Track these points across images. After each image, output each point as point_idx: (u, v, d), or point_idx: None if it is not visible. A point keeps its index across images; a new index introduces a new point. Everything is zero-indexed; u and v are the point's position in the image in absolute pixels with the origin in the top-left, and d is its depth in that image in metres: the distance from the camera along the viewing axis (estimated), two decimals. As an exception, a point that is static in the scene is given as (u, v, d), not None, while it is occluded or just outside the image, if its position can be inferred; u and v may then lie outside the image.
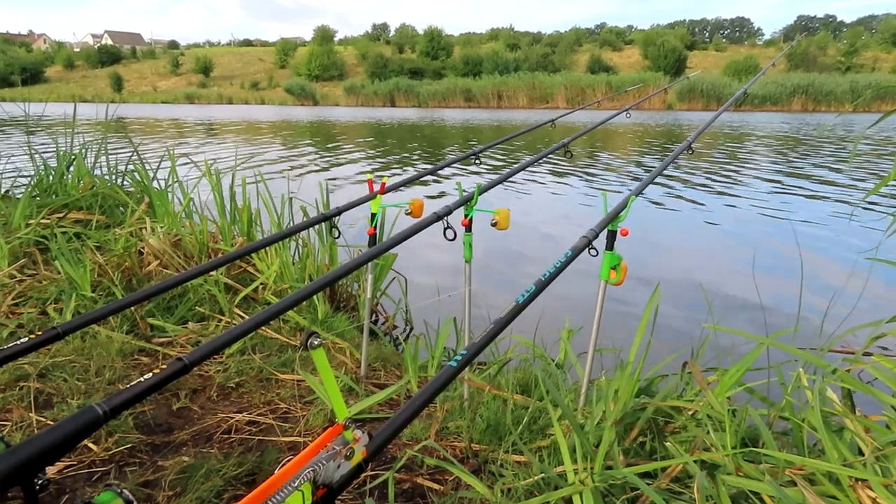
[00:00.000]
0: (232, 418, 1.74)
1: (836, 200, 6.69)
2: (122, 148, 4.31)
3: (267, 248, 2.73)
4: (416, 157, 11.02)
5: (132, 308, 2.24)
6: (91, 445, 1.54)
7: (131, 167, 3.76)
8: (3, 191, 3.87)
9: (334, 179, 7.89)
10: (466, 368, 1.35)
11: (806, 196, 6.93)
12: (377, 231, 1.80)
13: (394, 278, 3.04)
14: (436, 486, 1.46)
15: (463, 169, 8.68)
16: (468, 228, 1.61)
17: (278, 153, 11.14)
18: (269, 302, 2.57)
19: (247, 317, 2.37)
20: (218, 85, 62.35)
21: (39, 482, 0.62)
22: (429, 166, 8.78)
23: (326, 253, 2.89)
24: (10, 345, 0.87)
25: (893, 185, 7.56)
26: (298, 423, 1.72)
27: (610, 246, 1.42)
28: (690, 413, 1.47)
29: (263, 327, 2.23)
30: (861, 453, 1.20)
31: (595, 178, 8.39)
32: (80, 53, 74.15)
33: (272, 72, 64.86)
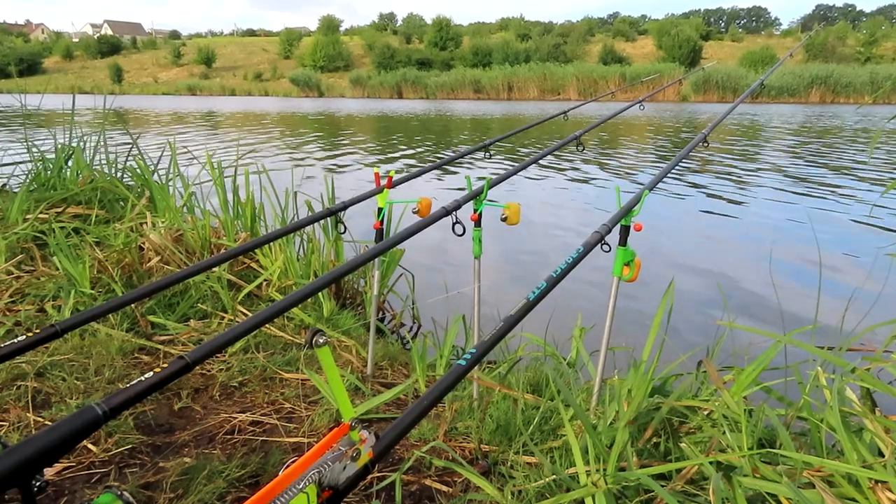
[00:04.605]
0: (235, 418, 1.71)
1: (855, 195, 6.60)
2: (121, 141, 4.28)
3: (271, 243, 2.70)
4: (423, 150, 10.97)
5: (132, 305, 2.21)
6: (90, 446, 1.52)
7: (131, 160, 3.73)
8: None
9: (340, 173, 7.85)
10: (476, 367, 1.32)
11: (824, 191, 6.85)
12: (384, 226, 1.76)
13: (401, 275, 3.00)
14: (444, 487, 1.44)
15: (472, 163, 8.63)
16: (477, 223, 1.58)
17: (282, 146, 11.10)
18: (273, 299, 2.55)
19: (250, 314, 2.34)
20: (220, 76, 62.12)
21: (38, 484, 0.60)
22: (437, 160, 8.77)
23: (332, 248, 2.86)
24: (7, 343, 0.85)
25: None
26: (303, 423, 1.69)
27: (623, 241, 1.40)
28: (706, 413, 1.45)
29: (267, 325, 2.20)
30: (881, 454, 1.17)
31: (608, 172, 8.33)
32: (79, 44, 73.87)
33: (276, 62, 64.50)
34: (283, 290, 2.59)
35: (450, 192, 6.45)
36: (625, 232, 1.39)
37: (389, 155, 10.29)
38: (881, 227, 5.10)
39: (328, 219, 2.74)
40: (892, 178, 7.80)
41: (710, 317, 2.91)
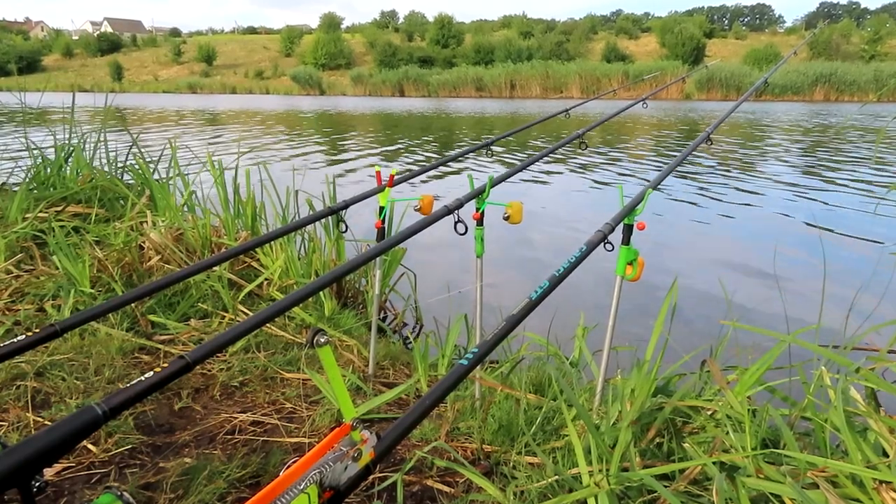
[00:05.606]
0: (235, 418, 1.70)
1: (860, 193, 6.59)
2: (121, 139, 4.26)
3: (272, 242, 2.69)
4: (425, 148, 10.94)
5: (133, 305, 2.20)
6: (90, 446, 1.51)
7: (131, 159, 3.72)
8: None
9: (341, 172, 7.83)
10: (478, 367, 1.32)
11: (829, 188, 6.84)
12: (385, 225, 1.75)
13: (403, 274, 2.99)
14: (446, 488, 1.43)
15: (474, 161, 8.61)
16: (479, 222, 1.57)
17: (283, 145, 11.09)
18: (274, 298, 2.54)
19: (251, 314, 2.33)
20: (221, 74, 61.80)
21: (37, 484, 0.60)
22: (438, 158, 8.72)
23: (333, 247, 2.85)
24: (6, 342, 0.84)
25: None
26: (304, 423, 1.69)
27: (626, 240, 1.38)
28: (709, 413, 1.44)
29: (268, 324, 2.19)
30: (885, 454, 1.16)
31: (611, 170, 8.31)
32: (79, 41, 73.41)
33: (277, 60, 64.03)
34: (283, 289, 2.58)
35: (451, 191, 6.44)
36: (628, 231, 1.38)
37: (391, 153, 10.27)
38: (885, 227, 5.08)
39: (329, 217, 2.73)
40: None
41: (714, 316, 2.90)
